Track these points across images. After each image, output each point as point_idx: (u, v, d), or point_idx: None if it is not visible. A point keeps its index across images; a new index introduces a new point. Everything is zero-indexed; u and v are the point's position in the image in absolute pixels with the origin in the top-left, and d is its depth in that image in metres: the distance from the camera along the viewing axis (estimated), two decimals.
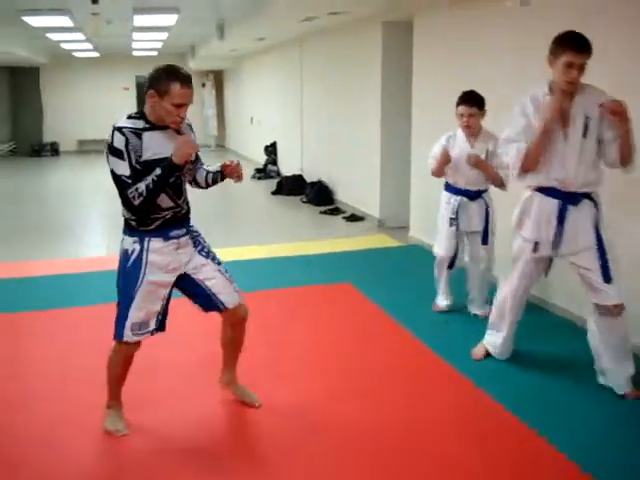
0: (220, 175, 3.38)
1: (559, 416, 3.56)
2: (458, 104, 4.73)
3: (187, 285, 3.35)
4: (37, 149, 19.12)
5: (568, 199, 3.61)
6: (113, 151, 3.01)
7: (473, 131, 4.74)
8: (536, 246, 3.75)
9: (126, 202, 3.06)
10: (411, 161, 7.68)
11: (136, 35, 12.60)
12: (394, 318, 5.04)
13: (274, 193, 11.52)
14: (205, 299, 3.37)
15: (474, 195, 4.79)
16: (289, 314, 5.25)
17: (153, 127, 3.10)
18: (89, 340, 4.54)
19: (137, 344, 3.29)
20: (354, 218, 9.02)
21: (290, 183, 11.41)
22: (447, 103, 6.57)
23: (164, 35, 12.63)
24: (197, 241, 3.39)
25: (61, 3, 8.35)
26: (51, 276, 6.31)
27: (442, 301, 5.17)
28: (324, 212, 9.65)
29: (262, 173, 13.66)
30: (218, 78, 20.17)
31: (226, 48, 13.39)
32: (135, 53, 17.15)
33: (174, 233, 3.22)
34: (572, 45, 3.46)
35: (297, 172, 11.79)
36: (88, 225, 9.47)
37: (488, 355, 4.25)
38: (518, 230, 3.85)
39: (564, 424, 3.46)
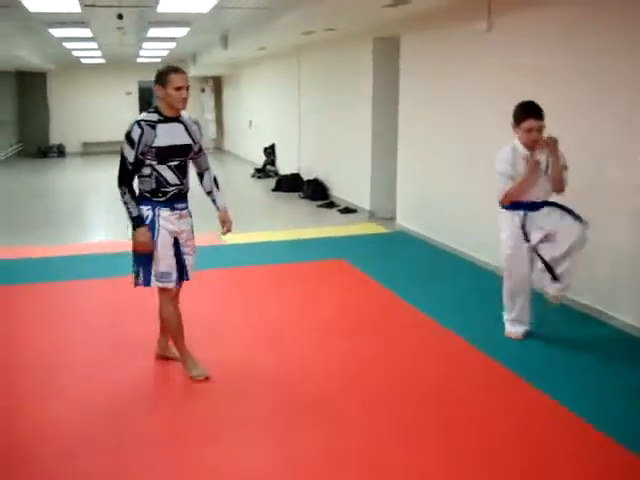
0: (215, 206, 4.36)
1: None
2: (523, 118, 4.38)
3: (175, 252, 4.10)
4: (44, 150, 20.05)
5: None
6: (128, 139, 3.85)
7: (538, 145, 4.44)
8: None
9: (120, 176, 3.92)
10: (397, 160, 8.77)
11: (146, 44, 13.63)
12: (384, 285, 6.11)
13: (274, 190, 12.58)
14: (181, 269, 4.13)
15: (540, 205, 4.54)
16: (294, 283, 6.32)
17: (165, 120, 3.94)
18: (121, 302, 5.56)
19: (173, 292, 4.13)
20: (347, 210, 10.09)
21: (289, 181, 12.48)
22: (430, 110, 7.79)
23: (172, 44, 13.66)
24: (190, 217, 4.23)
25: (85, 17, 9.37)
26: (75, 256, 7.40)
27: (519, 327, 4.79)
28: (320, 206, 10.72)
29: (261, 173, 14.72)
30: (217, 84, 21.20)
31: (227, 56, 14.36)
32: (139, 60, 18.14)
33: (179, 205, 4.08)
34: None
35: (295, 171, 12.84)
36: (92, 216, 10.57)
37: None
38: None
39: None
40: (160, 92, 3.93)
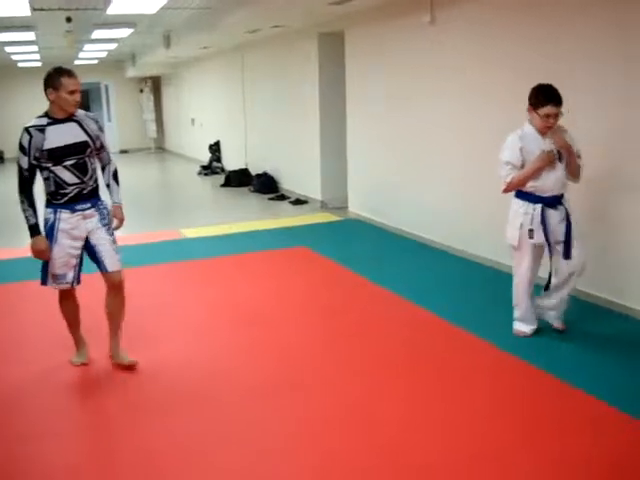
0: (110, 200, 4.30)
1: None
2: (542, 103, 4.20)
3: (87, 248, 4.16)
4: None
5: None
6: (20, 147, 3.93)
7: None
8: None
9: (19, 185, 3.98)
10: (347, 151, 9.15)
11: (87, 46, 13.66)
12: (347, 268, 6.49)
13: (223, 185, 12.82)
14: (96, 261, 4.19)
15: (555, 201, 4.40)
16: (262, 270, 6.64)
17: (55, 121, 3.97)
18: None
19: (68, 293, 4.25)
20: (299, 202, 10.43)
21: (237, 176, 12.74)
22: (377, 102, 8.18)
23: (113, 45, 13.73)
24: (102, 213, 4.18)
25: (33, 21, 9.43)
26: None
27: (526, 326, 4.66)
28: (271, 199, 11.03)
29: (208, 170, 14.92)
30: (156, 83, 21.22)
31: (169, 55, 14.45)
32: (77, 62, 18.04)
33: (80, 206, 4.08)
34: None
35: (242, 166, 13.10)
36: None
37: None
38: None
39: None
40: (52, 95, 3.95)
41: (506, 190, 4.43)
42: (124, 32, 11.20)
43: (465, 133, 6.60)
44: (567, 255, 4.38)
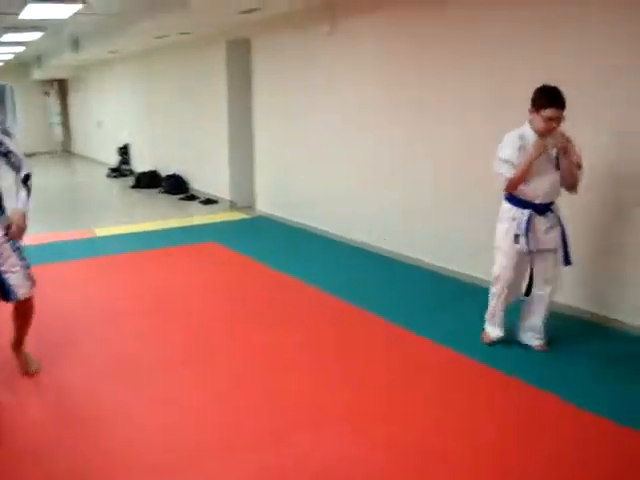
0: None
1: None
2: (544, 105, 4.01)
3: None
4: None
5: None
6: None
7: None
8: None
9: None
10: (254, 153, 9.66)
11: None
12: (255, 260, 7.00)
13: (133, 187, 13.07)
14: (4, 288, 3.86)
15: (544, 208, 4.27)
16: (173, 264, 7.06)
17: None
18: None
19: None
20: (209, 202, 10.85)
21: (147, 178, 13.02)
22: (282, 107, 8.72)
23: (21, 48, 13.74)
24: (7, 232, 3.81)
25: None
26: None
27: (496, 332, 4.60)
28: (181, 199, 11.40)
29: (117, 172, 15.09)
30: (62, 87, 21.09)
31: (77, 58, 14.51)
32: None
33: None
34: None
35: (152, 168, 13.39)
36: None
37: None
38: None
39: None
40: None
41: (508, 188, 4.23)
42: (34, 35, 11.31)
43: (359, 136, 7.27)
44: (567, 261, 4.33)
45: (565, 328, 4.80)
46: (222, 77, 10.14)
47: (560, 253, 4.33)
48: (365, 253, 7.17)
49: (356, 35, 7.18)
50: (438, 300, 5.62)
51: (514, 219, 4.26)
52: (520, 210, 4.24)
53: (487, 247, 4.65)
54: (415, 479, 3.03)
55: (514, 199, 4.26)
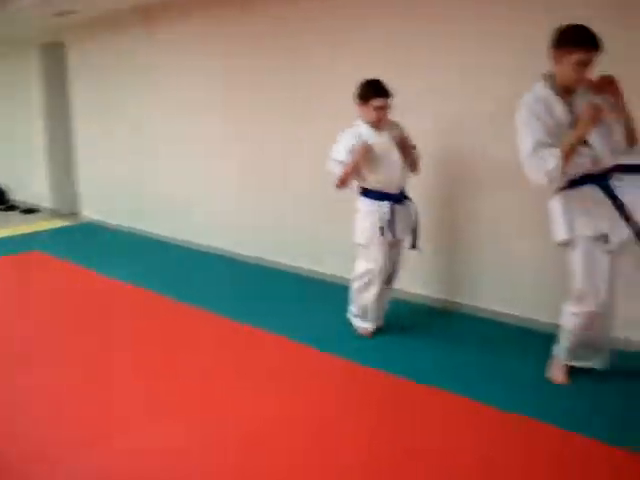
0: None
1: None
2: (369, 97, 4.24)
3: None
4: None
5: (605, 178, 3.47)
6: None
7: (383, 123, 4.34)
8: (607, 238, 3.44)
9: None
10: (77, 158, 9.48)
11: None
12: (79, 264, 6.93)
13: None
14: None
15: (401, 197, 4.48)
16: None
17: None
18: None
19: None
20: (30, 211, 10.47)
21: None
22: (103, 111, 8.66)
23: None
24: None
25: None
26: None
27: (372, 325, 4.70)
28: (0, 210, 10.93)
29: None
30: None
31: None
32: None
33: None
34: (587, 43, 3.24)
35: None
36: None
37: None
38: (570, 234, 3.51)
39: None
40: None
41: (340, 184, 4.34)
42: None
43: (185, 139, 7.43)
44: (414, 246, 4.55)
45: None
46: (37, 83, 9.82)
47: (408, 239, 4.56)
48: (193, 254, 7.30)
49: (176, 36, 7.27)
50: (257, 291, 5.85)
51: (375, 212, 4.38)
52: (379, 202, 4.38)
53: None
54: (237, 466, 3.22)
55: (371, 193, 4.41)
